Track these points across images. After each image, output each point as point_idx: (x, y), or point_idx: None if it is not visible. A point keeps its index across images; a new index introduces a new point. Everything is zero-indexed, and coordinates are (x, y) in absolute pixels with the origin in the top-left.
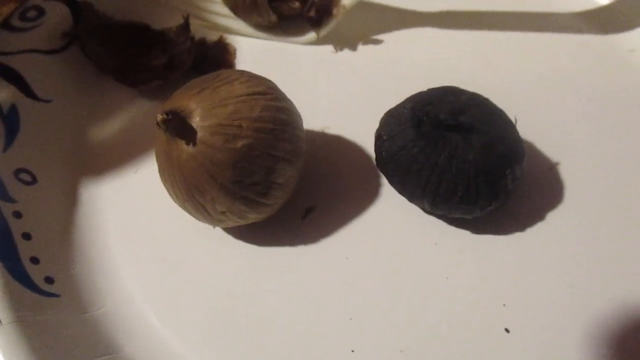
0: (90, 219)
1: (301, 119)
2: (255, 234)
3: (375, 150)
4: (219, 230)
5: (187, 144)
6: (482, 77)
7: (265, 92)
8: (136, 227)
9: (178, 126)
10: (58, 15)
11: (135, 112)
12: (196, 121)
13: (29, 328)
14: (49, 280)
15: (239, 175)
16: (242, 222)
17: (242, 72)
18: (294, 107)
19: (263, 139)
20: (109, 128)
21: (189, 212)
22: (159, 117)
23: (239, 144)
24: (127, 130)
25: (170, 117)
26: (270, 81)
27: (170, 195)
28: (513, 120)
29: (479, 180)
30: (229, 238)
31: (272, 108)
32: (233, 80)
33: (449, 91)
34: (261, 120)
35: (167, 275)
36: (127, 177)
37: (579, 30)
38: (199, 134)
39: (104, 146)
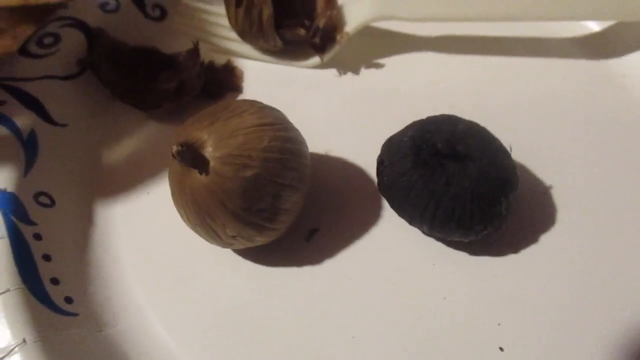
0: (104, 240)
1: (307, 147)
2: (263, 254)
3: (377, 175)
4: (228, 251)
5: (200, 173)
6: (479, 101)
7: (273, 122)
8: (149, 247)
9: (192, 157)
10: (73, 42)
11: (147, 135)
12: (209, 152)
13: (52, 346)
14: (69, 300)
15: (248, 202)
16: (250, 245)
17: (252, 103)
18: (301, 136)
19: (270, 168)
20: (121, 151)
21: (200, 235)
22: (174, 149)
23: (248, 173)
24: (139, 152)
25: (184, 148)
26: (278, 111)
27: (183, 218)
28: (508, 149)
29: (474, 206)
30: (238, 258)
31: (279, 138)
32: (243, 112)
33: (447, 120)
34: (269, 151)
35: (178, 293)
36: (140, 199)
37: (572, 55)
38: (212, 164)
39: (117, 168)
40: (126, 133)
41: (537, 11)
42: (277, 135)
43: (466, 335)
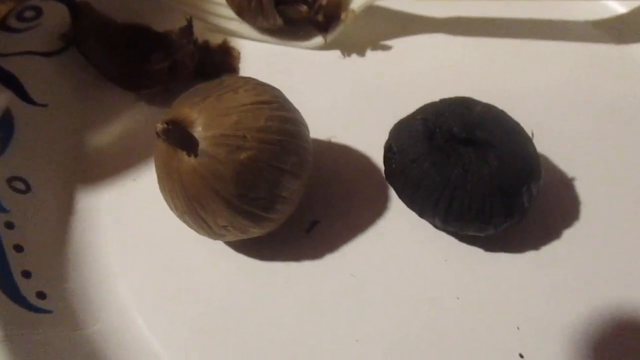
0: (85, 230)
1: (308, 130)
2: (257, 247)
3: (385, 163)
4: (219, 244)
5: (189, 155)
6: (495, 86)
7: (270, 101)
8: (134, 238)
9: (179, 136)
10: (56, 16)
11: (135, 118)
12: (198, 131)
13: (20, 346)
14: (41, 295)
15: (242, 189)
16: (244, 237)
17: (248, 80)
18: (301, 117)
19: (268, 150)
20: (107, 134)
21: (189, 225)
22: (159, 127)
23: (243, 155)
24: (126, 136)
25: (170, 127)
26: (276, 89)
27: (169, 206)
28: (529, 134)
29: (494, 197)
30: (230, 251)
31: (277, 118)
32: (237, 88)
33: (462, 102)
34: (266, 131)
35: (165, 290)
36: (126, 186)
37: (595, 39)
38: (201, 145)
39: (101, 153)
40: (112, 115)
41: None
42: (275, 114)
43: (482, 340)
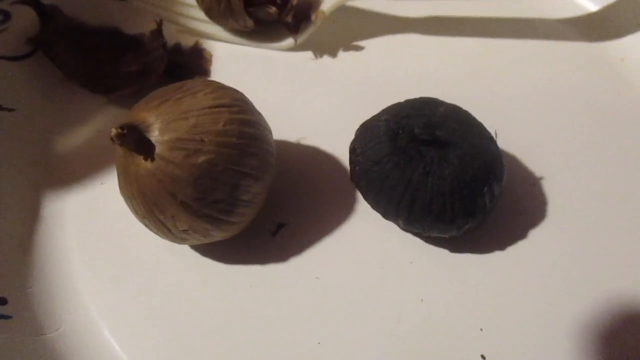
0: (50, 234)
1: (271, 133)
2: (223, 250)
3: (350, 165)
4: (185, 247)
5: (145, 159)
6: (464, 86)
7: (230, 104)
8: (99, 243)
9: (134, 141)
10: (25, 20)
11: (104, 122)
12: (155, 135)
13: None
14: (2, 301)
15: (201, 192)
16: (206, 240)
17: (209, 83)
18: (263, 120)
19: (226, 154)
20: (75, 138)
21: (150, 229)
22: (113, 132)
23: (200, 159)
24: (94, 140)
25: (125, 131)
26: (238, 92)
27: (131, 211)
28: (493, 134)
29: (455, 198)
30: (196, 255)
31: (237, 121)
32: (197, 92)
33: (427, 103)
34: (225, 135)
35: (129, 295)
36: (93, 190)
37: (567, 37)
38: (158, 149)
39: (69, 157)
40: (80, 119)
41: None
42: (235, 117)
43: (445, 341)
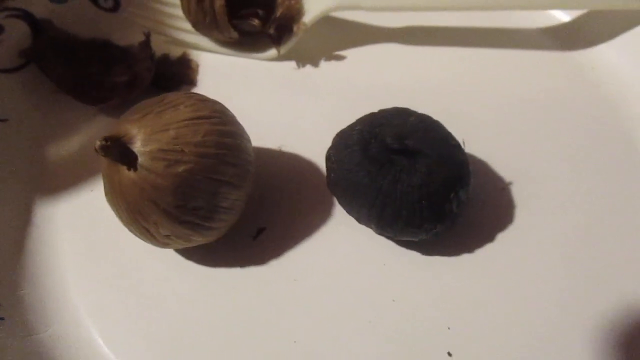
0: (42, 239)
1: (250, 142)
2: (206, 254)
3: (326, 171)
4: (169, 251)
5: (129, 169)
6: (438, 95)
7: (209, 115)
8: (88, 246)
9: (118, 152)
10: (17, 33)
11: (94, 131)
12: (137, 146)
13: None
14: None
15: (181, 200)
16: (188, 245)
17: (190, 96)
18: (242, 130)
19: (206, 163)
20: (66, 147)
21: (135, 234)
22: (97, 144)
23: (181, 168)
24: (84, 148)
25: (109, 143)
26: (218, 104)
27: (117, 217)
28: (461, 143)
29: (423, 204)
30: (180, 259)
31: (216, 132)
32: (178, 105)
33: (398, 113)
34: (204, 145)
35: (116, 297)
36: (83, 197)
37: (539, 47)
38: (140, 160)
39: (60, 165)
40: (71, 128)
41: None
42: (214, 129)
43: (414, 339)
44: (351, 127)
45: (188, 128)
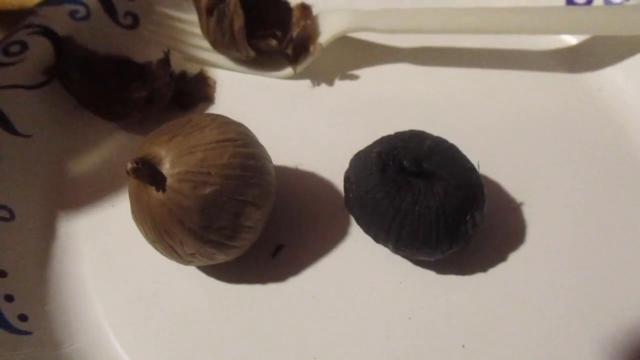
0: (66, 254)
1: (271, 163)
2: (227, 271)
3: (344, 192)
4: (191, 268)
5: (157, 190)
6: (451, 116)
7: (235, 138)
8: (111, 262)
9: (148, 174)
10: (41, 50)
11: (114, 146)
12: (166, 168)
13: None
14: (23, 317)
15: (207, 220)
16: (211, 262)
17: (214, 118)
18: (264, 152)
19: (231, 185)
20: (87, 162)
21: (160, 252)
22: (129, 166)
23: (207, 190)
24: (105, 164)
25: (140, 165)
26: (242, 126)
27: (142, 234)
28: (476, 165)
29: (440, 225)
30: (201, 275)
31: (240, 154)
32: (204, 127)
33: (415, 136)
34: (229, 167)
35: (139, 312)
36: (105, 212)
37: (547, 69)
38: (168, 181)
39: (82, 180)
40: (93, 143)
41: (513, 25)
42: (238, 151)
43: (429, 356)
44: (369, 149)
45: (214, 151)
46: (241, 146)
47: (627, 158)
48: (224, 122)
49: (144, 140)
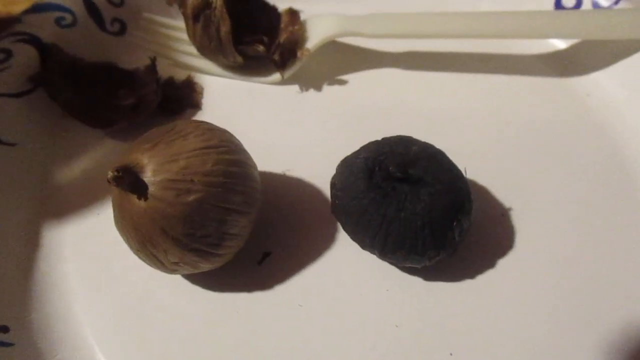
0: (50, 263)
1: (257, 169)
2: (213, 279)
3: (331, 198)
4: (177, 276)
5: (139, 198)
6: (438, 121)
7: (218, 145)
8: (96, 271)
9: (129, 182)
10: (26, 58)
11: (100, 154)
12: (148, 176)
13: None
14: (4, 329)
15: (190, 228)
16: (195, 271)
17: (198, 125)
18: (249, 158)
19: (214, 192)
20: (72, 170)
21: (144, 261)
22: (110, 175)
23: (190, 198)
24: (91, 172)
25: (121, 174)
26: (226, 132)
27: (126, 244)
28: (463, 171)
29: (426, 232)
30: (186, 284)
31: (224, 161)
32: (188, 134)
33: (402, 142)
34: (212, 175)
35: (123, 321)
36: (89, 220)
37: (536, 73)
38: (150, 189)
39: (67, 189)
40: (78, 151)
41: (501, 29)
42: (222, 158)
43: None
44: (355, 155)
45: (197, 158)
46: (225, 153)
47: (615, 163)
48: (208, 129)
49: (128, 150)
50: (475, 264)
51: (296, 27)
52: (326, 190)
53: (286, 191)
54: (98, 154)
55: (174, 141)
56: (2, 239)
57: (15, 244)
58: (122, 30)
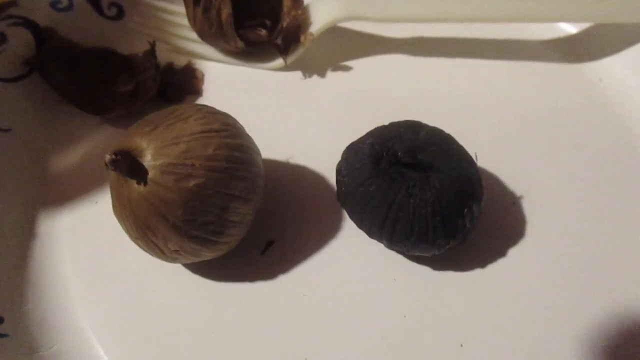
0: (46, 252)
1: (260, 155)
2: (214, 268)
3: (337, 185)
4: (177, 266)
5: (138, 183)
6: (447, 105)
7: (220, 129)
8: (93, 260)
9: (127, 166)
10: (20, 42)
11: (98, 141)
12: (147, 160)
13: None
14: None
15: (191, 215)
16: (197, 259)
17: (199, 108)
18: (252, 143)
19: (216, 177)
20: (69, 157)
21: (143, 249)
22: (107, 158)
23: (191, 183)
24: (88, 159)
25: (119, 157)
26: (228, 116)
27: (124, 231)
28: (473, 157)
29: (436, 219)
30: (187, 273)
31: (226, 146)
32: (188, 117)
33: (410, 126)
34: (214, 159)
35: (122, 312)
36: (87, 209)
37: (546, 58)
38: (150, 174)
39: (64, 176)
40: (75, 138)
41: (510, 12)
42: (224, 142)
43: (426, 357)
44: (362, 141)
45: (198, 141)
46: (227, 137)
47: (627, 149)
48: (209, 112)
49: (126, 133)
50: (485, 253)
51: (299, 11)
52: (331, 177)
53: (290, 179)
54: (95, 141)
55: (174, 124)
56: None
57: (10, 233)
58: (120, 14)
